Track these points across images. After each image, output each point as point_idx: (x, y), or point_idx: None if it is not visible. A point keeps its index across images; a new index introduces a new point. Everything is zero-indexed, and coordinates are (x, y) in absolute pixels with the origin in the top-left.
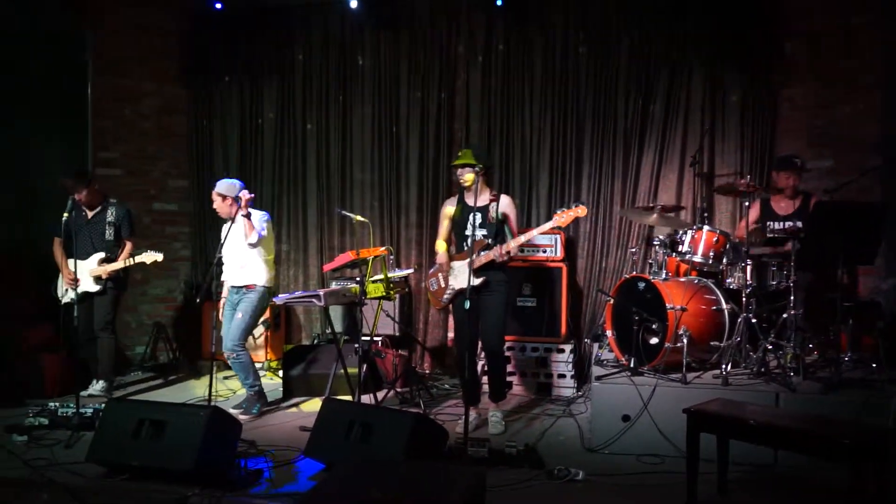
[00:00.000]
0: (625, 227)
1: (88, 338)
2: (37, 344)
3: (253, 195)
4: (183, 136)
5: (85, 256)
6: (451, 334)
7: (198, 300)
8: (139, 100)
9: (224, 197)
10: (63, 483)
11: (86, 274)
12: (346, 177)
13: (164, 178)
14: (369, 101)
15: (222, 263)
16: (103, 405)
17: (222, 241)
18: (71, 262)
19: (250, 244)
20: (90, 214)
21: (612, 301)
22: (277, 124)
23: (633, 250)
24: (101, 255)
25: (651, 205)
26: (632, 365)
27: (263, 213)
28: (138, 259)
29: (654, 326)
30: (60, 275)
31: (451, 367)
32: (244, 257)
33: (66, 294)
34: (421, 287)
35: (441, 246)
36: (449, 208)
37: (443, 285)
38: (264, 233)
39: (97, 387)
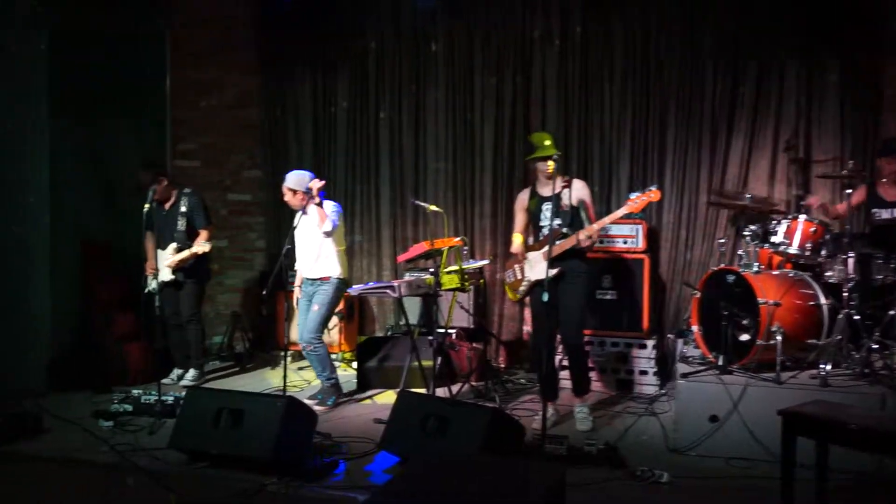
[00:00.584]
0: (711, 217)
1: (172, 326)
2: (122, 333)
3: (323, 182)
4: (257, 127)
5: (164, 247)
6: (526, 327)
7: (263, 292)
8: (215, 92)
9: (294, 191)
10: (147, 468)
11: (164, 263)
12: (419, 166)
13: (238, 168)
14: (443, 89)
15: (290, 254)
16: (184, 393)
17: (292, 231)
18: (158, 253)
19: (325, 232)
20: (167, 206)
21: (698, 295)
22: (350, 114)
23: (721, 241)
24: (175, 245)
25: (740, 192)
26: (720, 363)
27: (335, 204)
28: (193, 249)
29: (744, 322)
30: (146, 265)
31: (526, 360)
32: (318, 249)
33: (150, 284)
34: (496, 279)
35: (518, 238)
36: (522, 200)
37: (519, 276)
38: (338, 222)
39: (189, 375)
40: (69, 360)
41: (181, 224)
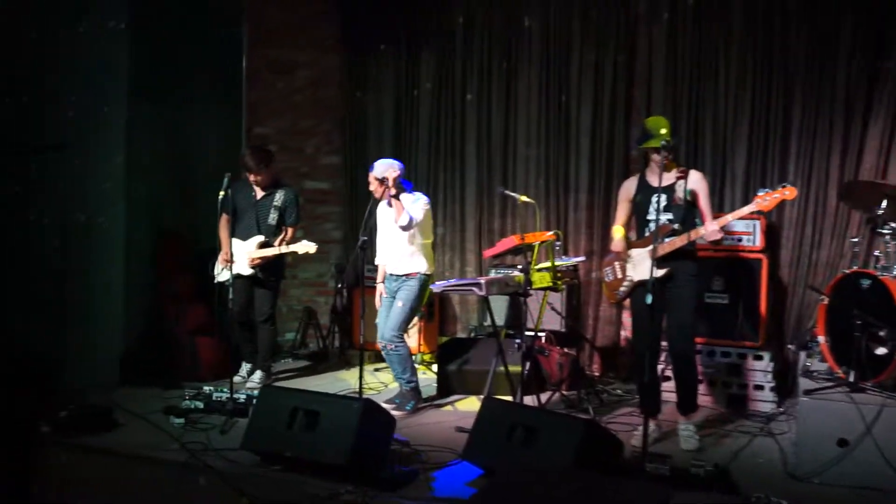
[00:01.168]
0: (843, 213)
1: (241, 321)
2: (194, 326)
3: (398, 173)
4: (336, 109)
5: (246, 237)
6: (625, 332)
7: (338, 285)
8: (293, 71)
9: (381, 181)
10: (219, 469)
11: (243, 255)
12: (508, 152)
13: (316, 154)
14: (536, 68)
15: (365, 247)
16: (257, 392)
17: (365, 221)
18: (233, 242)
19: (401, 227)
20: (259, 195)
21: (826, 301)
22: (435, 95)
23: (855, 240)
24: (260, 238)
25: (881, 182)
26: (851, 379)
27: (423, 196)
28: (291, 248)
29: (881, 334)
30: (218, 255)
31: (624, 369)
32: (404, 243)
33: (220, 273)
34: (592, 277)
35: (618, 231)
36: (628, 190)
37: (619, 276)
38: (420, 216)
39: (255, 377)
40: (141, 353)
41: (273, 217)
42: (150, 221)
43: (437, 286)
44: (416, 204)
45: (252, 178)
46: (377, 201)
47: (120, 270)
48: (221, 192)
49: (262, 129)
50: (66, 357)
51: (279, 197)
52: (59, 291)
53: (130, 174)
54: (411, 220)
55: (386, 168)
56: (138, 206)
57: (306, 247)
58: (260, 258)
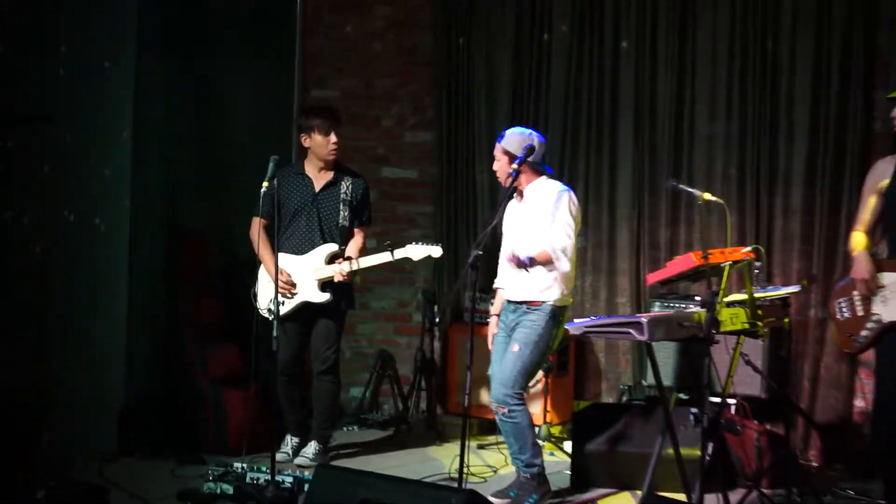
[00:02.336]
0: None
1: (290, 374)
2: (221, 374)
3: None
4: (428, 63)
5: (307, 249)
6: (860, 403)
7: (437, 320)
8: (367, 9)
9: (512, 156)
10: None
11: (309, 275)
12: (682, 128)
13: (398, 128)
14: (725, 2)
15: (479, 266)
16: (309, 474)
17: (492, 227)
18: (282, 258)
19: (558, 250)
20: (319, 185)
21: None
22: (573, 42)
23: None
24: (333, 247)
25: None
26: None
27: (566, 189)
28: (400, 254)
29: None
30: (260, 274)
31: (861, 459)
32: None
33: (268, 304)
34: (810, 316)
35: (859, 243)
36: (879, 174)
37: (859, 313)
38: (571, 236)
39: (308, 451)
40: (148, 409)
41: (343, 215)
42: (166, 224)
43: (574, 325)
44: (558, 209)
45: (332, 140)
46: (508, 192)
47: (122, 292)
48: (265, 184)
49: (323, 91)
50: (46, 412)
51: (346, 187)
52: (40, 319)
53: (139, 157)
54: (563, 247)
55: (520, 141)
56: (149, 202)
57: (424, 251)
58: (344, 275)
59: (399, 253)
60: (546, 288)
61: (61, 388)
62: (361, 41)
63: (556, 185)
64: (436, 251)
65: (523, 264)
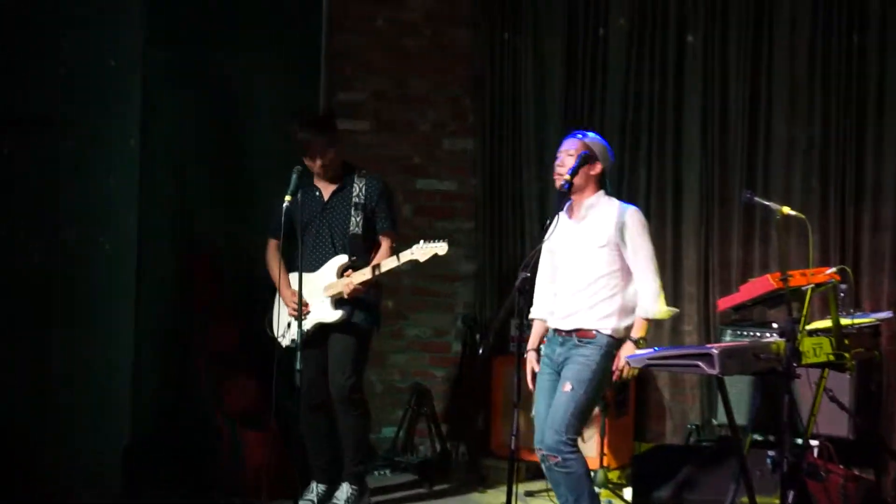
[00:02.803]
0: None
1: (313, 405)
2: (238, 409)
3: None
4: (470, 60)
5: (318, 264)
6: None
7: (480, 351)
8: (400, 2)
9: (593, 160)
10: None
11: (318, 293)
12: (758, 133)
13: (435, 133)
14: None
15: (528, 289)
16: None
17: (538, 248)
18: (295, 277)
19: (650, 297)
20: (327, 193)
21: None
22: (633, 37)
23: None
24: (343, 258)
25: None
26: None
27: (630, 207)
28: (406, 257)
29: None
30: (277, 300)
31: None
32: (601, 282)
33: (287, 332)
34: None
35: None
36: None
37: None
38: (656, 272)
39: (343, 494)
40: (155, 446)
41: (355, 222)
42: (177, 242)
43: (635, 357)
44: (639, 241)
45: (316, 165)
46: (562, 200)
47: (128, 317)
48: (287, 198)
49: (350, 94)
50: (42, 447)
51: (358, 190)
52: (37, 346)
53: (148, 166)
54: (654, 294)
55: (602, 148)
56: (159, 217)
57: (431, 248)
58: (352, 288)
59: (405, 255)
60: (604, 316)
61: (61, 423)
62: (394, 37)
63: (620, 205)
64: (441, 248)
65: (635, 366)
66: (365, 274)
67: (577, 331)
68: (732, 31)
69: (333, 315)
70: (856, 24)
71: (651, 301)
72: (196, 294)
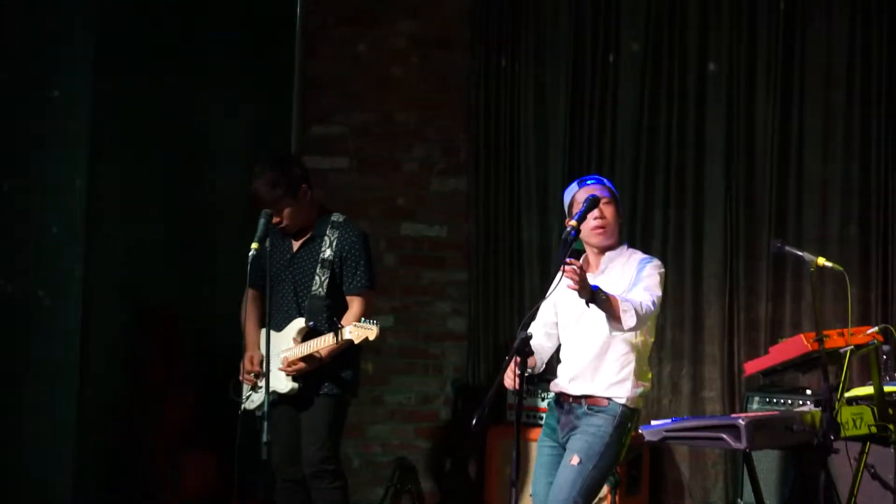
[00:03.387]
0: None
1: (286, 480)
2: (194, 493)
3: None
4: (462, 91)
5: (283, 324)
6: None
7: (474, 422)
8: (386, 23)
9: (616, 205)
10: None
11: (276, 358)
12: (787, 170)
13: (423, 172)
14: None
15: (528, 349)
16: None
17: (540, 304)
18: (263, 336)
19: (626, 328)
20: (297, 244)
21: None
22: (647, 64)
23: None
24: (300, 323)
25: None
26: None
27: (649, 258)
28: (344, 336)
29: None
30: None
31: None
32: (613, 343)
33: (248, 395)
34: None
35: None
36: None
37: None
38: (656, 304)
39: None
40: None
41: (319, 281)
42: (128, 297)
43: (651, 429)
44: (648, 272)
45: (274, 220)
46: (565, 248)
47: (69, 384)
48: (254, 246)
49: (328, 128)
50: None
51: (329, 241)
52: None
53: (96, 210)
54: (644, 309)
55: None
56: (107, 268)
57: (362, 332)
58: (301, 361)
59: (343, 334)
60: (617, 382)
61: None
62: (377, 64)
63: (643, 257)
64: (372, 331)
65: (590, 290)
66: (305, 349)
67: (587, 397)
68: (760, 58)
69: (286, 386)
70: None
71: (638, 305)
72: (149, 357)
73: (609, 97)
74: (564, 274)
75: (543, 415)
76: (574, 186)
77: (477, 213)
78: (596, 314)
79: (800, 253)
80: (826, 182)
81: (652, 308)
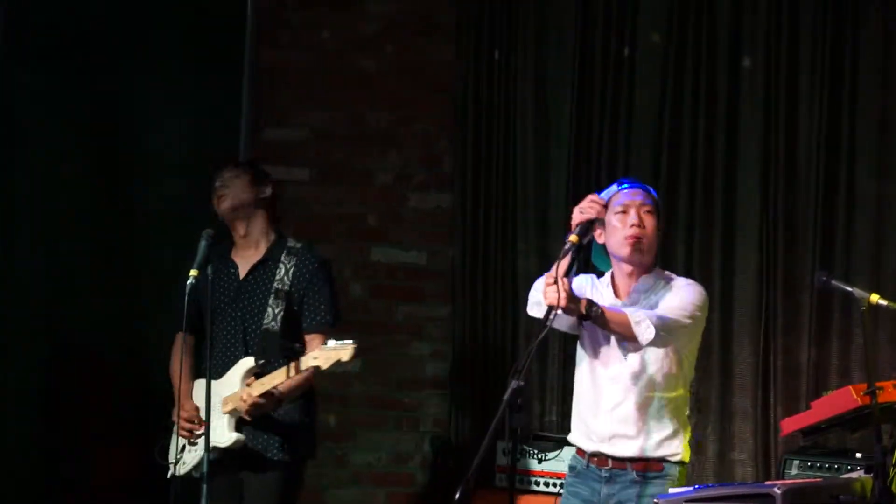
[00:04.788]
0: None
1: None
2: None
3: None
4: (447, 89)
5: (226, 368)
6: None
7: (458, 497)
8: (355, 6)
9: (658, 218)
10: None
11: (217, 406)
12: (836, 187)
13: (399, 185)
14: None
15: (520, 401)
16: None
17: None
18: (198, 386)
19: (643, 341)
20: (245, 269)
21: None
22: (669, 59)
23: None
24: (248, 363)
25: None
26: None
27: (688, 280)
28: (307, 363)
29: None
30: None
31: None
32: (642, 387)
33: (182, 457)
34: None
35: None
36: None
37: None
38: (687, 319)
39: None
40: None
41: (273, 313)
42: (43, 332)
43: (671, 498)
44: (684, 288)
45: (217, 205)
46: (565, 254)
47: None
48: (193, 272)
49: (284, 132)
50: None
51: (285, 269)
52: None
53: (5, 227)
54: (666, 320)
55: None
56: (19, 297)
57: (333, 353)
58: (251, 404)
59: (307, 361)
60: (666, 437)
61: None
62: (345, 55)
63: (679, 279)
64: (345, 351)
65: (578, 301)
66: (264, 384)
67: (635, 461)
68: (804, 52)
69: (227, 438)
70: None
71: (653, 316)
72: (70, 404)
73: (624, 97)
74: (546, 286)
75: (546, 480)
76: (613, 188)
77: (463, 236)
78: (636, 357)
79: (849, 288)
80: (881, 200)
81: (680, 321)
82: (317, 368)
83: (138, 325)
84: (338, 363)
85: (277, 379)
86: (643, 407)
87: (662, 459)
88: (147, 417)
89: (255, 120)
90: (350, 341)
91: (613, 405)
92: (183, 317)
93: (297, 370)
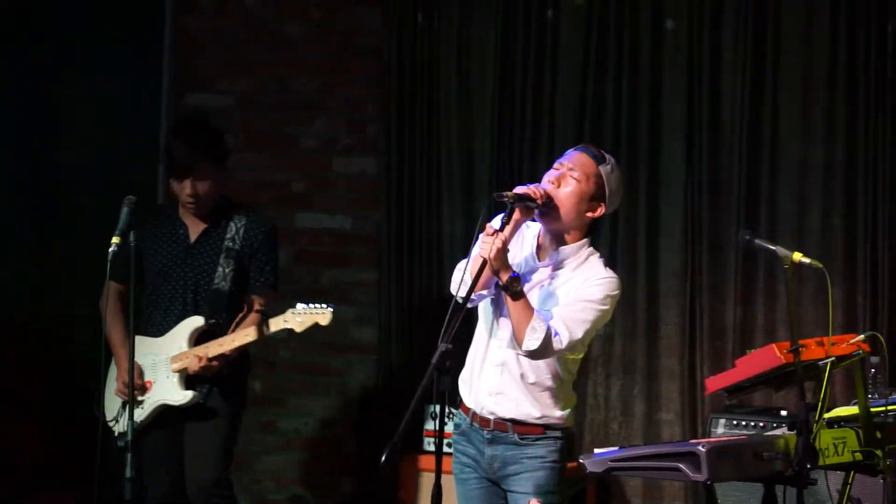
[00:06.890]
0: None
1: None
2: None
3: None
4: (372, 54)
5: (169, 326)
6: None
7: (384, 459)
8: None
9: (598, 200)
10: None
11: (164, 365)
12: (760, 152)
13: (324, 150)
14: None
15: (449, 365)
16: None
17: (463, 309)
18: (139, 343)
19: (525, 352)
20: (195, 233)
21: None
22: (592, 22)
23: None
24: (198, 321)
25: None
26: None
27: (608, 273)
28: (276, 326)
29: None
30: (112, 372)
31: None
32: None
33: (120, 415)
34: None
35: None
36: None
37: None
38: (570, 345)
39: None
40: None
41: (223, 273)
42: None
43: (594, 459)
44: (588, 299)
45: (186, 190)
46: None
47: None
48: (115, 239)
49: (207, 97)
50: None
51: (235, 230)
52: None
53: None
54: (557, 343)
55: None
56: None
57: (308, 317)
58: (205, 362)
59: (276, 323)
60: (554, 404)
61: None
62: (269, 19)
63: (604, 270)
64: (324, 316)
65: (507, 267)
66: (222, 345)
67: (528, 424)
68: (728, 16)
69: (181, 396)
70: (891, 9)
71: (552, 333)
72: None
73: (547, 61)
74: (482, 235)
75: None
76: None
77: (388, 201)
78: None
79: (773, 247)
80: (805, 164)
81: (562, 346)
82: (290, 331)
83: (60, 292)
84: (315, 327)
85: (239, 341)
86: (527, 363)
87: (545, 421)
88: (68, 387)
89: (177, 86)
90: (326, 305)
91: (504, 363)
92: (118, 267)
93: (265, 332)
